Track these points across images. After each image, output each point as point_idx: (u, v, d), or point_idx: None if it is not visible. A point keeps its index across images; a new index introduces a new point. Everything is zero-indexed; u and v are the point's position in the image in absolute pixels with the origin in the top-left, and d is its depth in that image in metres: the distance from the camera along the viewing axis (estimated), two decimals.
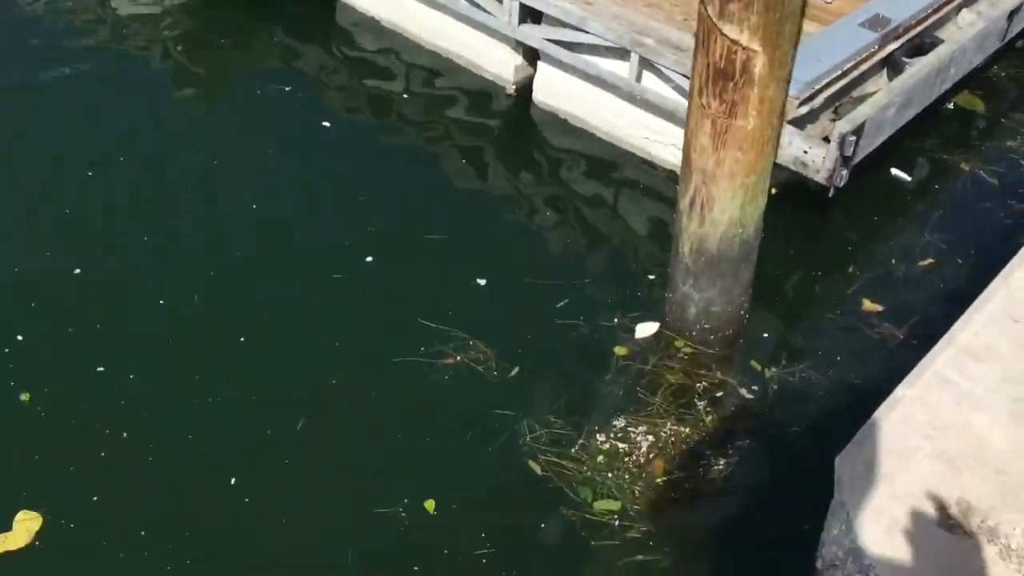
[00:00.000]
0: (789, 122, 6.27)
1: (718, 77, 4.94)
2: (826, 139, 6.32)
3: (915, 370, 4.61)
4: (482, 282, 6.27)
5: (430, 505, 5.12)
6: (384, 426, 5.46)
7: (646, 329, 5.97)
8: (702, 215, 5.47)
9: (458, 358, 5.79)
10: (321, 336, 5.90)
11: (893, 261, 6.53)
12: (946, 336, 4.77)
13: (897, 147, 7.15)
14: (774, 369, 5.80)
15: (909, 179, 7.22)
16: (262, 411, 5.47)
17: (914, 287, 6.33)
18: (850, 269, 6.48)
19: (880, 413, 4.37)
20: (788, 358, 5.85)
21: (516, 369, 5.76)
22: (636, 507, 5.09)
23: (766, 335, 6.04)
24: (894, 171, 7.24)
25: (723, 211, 5.41)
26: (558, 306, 6.12)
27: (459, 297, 6.20)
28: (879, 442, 4.22)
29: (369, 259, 6.41)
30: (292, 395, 5.58)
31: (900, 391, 4.47)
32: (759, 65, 4.81)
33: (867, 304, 6.20)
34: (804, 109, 6.38)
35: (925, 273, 6.46)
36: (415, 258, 6.44)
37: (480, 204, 6.97)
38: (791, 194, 6.72)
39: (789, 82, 5.09)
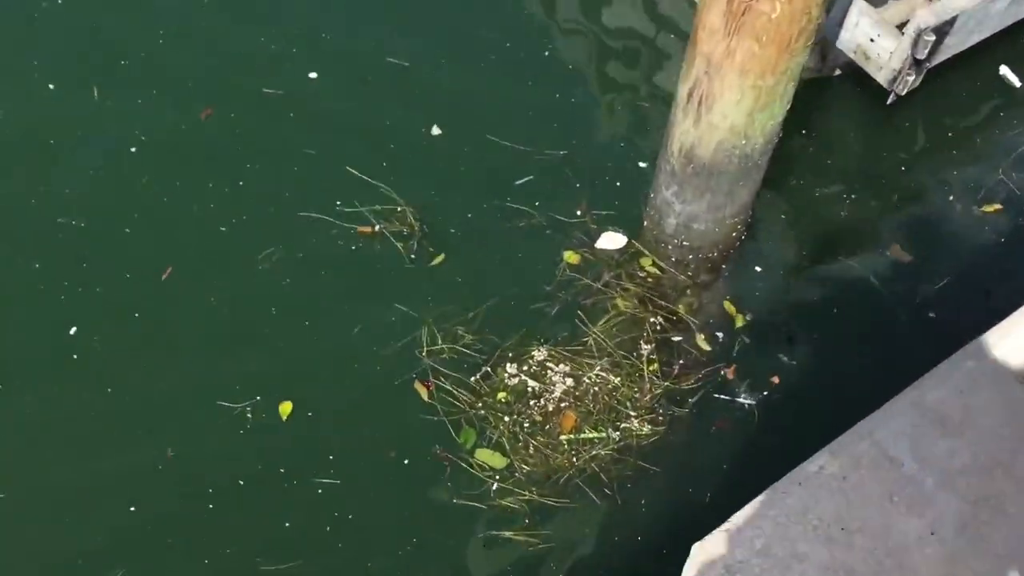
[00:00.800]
0: None
1: None
2: (902, 26, 4.81)
3: (847, 435, 3.23)
4: (436, 132, 5.06)
5: (285, 409, 4.21)
6: (258, 296, 4.48)
7: (611, 240, 4.77)
8: (698, 113, 4.14)
9: (376, 228, 4.70)
10: (226, 161, 4.84)
11: (950, 198, 5.12)
12: (926, 381, 3.36)
13: (1016, 40, 5.51)
14: (749, 318, 4.61)
15: (1019, 84, 5.53)
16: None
17: (962, 240, 4.96)
18: (893, 198, 5.09)
19: (770, 495, 3.05)
20: (771, 308, 4.65)
21: (441, 257, 4.66)
22: (525, 468, 4.12)
23: (757, 268, 4.81)
24: (1003, 70, 5.59)
25: (724, 116, 4.07)
26: (517, 183, 4.91)
27: (403, 145, 5.01)
28: (751, 542, 2.90)
29: (313, 75, 5.21)
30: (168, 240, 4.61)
31: (816, 462, 3.10)
32: None
33: (895, 250, 4.89)
34: None
35: (983, 222, 5.05)
36: (364, 84, 5.22)
37: (464, 25, 5.61)
38: (854, 80, 5.27)
39: None
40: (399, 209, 4.75)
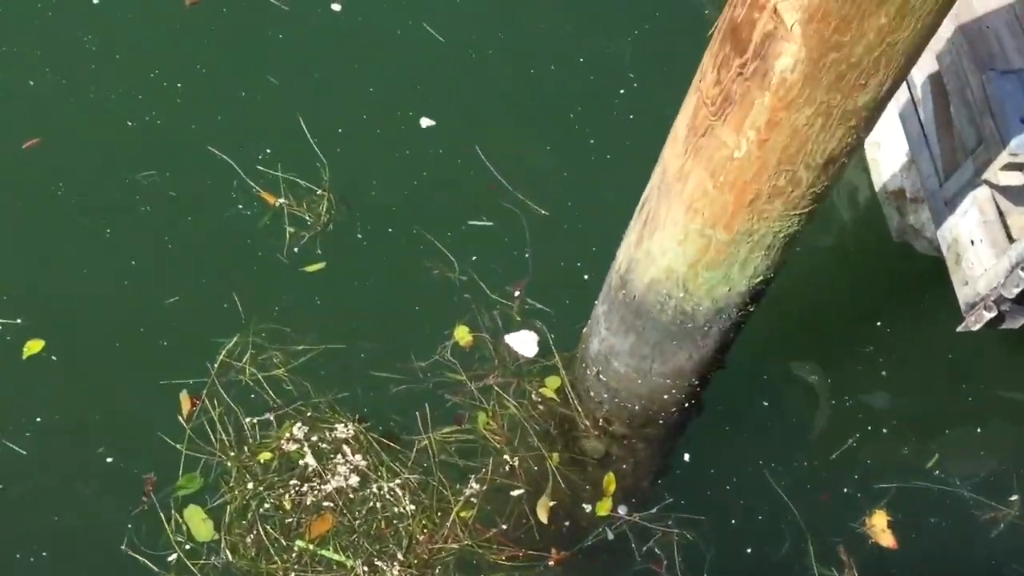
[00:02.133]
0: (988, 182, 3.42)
1: (729, 38, 2.35)
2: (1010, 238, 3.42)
3: None
4: (426, 123, 4.11)
5: (32, 347, 3.45)
6: (108, 209, 3.73)
7: (524, 342, 3.68)
8: (642, 233, 2.99)
9: (279, 202, 3.84)
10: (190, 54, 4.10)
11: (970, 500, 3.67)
12: None
13: None
14: (623, 511, 3.42)
15: None
16: None
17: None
18: (904, 449, 3.71)
19: None
20: (663, 516, 3.43)
21: (320, 265, 3.74)
22: (228, 556, 3.17)
23: (685, 457, 3.59)
24: None
25: (663, 251, 2.90)
26: (471, 221, 3.91)
27: (383, 123, 4.11)
28: None
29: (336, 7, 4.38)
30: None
31: None
32: (787, 54, 2.17)
33: (875, 522, 3.53)
34: (1010, 177, 3.41)
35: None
36: (379, 44, 4.32)
37: None
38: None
39: (866, 125, 2.38)
40: (319, 193, 3.86)
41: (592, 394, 3.56)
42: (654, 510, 3.43)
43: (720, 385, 3.42)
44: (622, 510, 3.42)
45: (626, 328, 3.23)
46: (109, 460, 3.29)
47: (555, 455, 3.49)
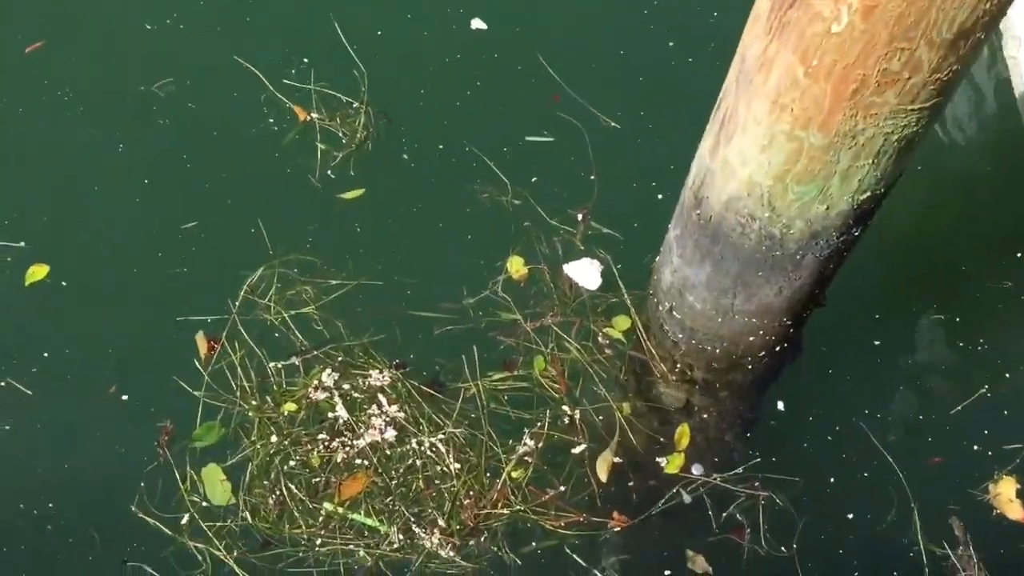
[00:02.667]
0: None
1: None
2: None
3: None
4: (478, 26, 3.61)
5: (37, 272, 3.11)
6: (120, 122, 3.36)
7: (586, 272, 3.18)
8: (718, 138, 2.45)
9: (310, 116, 3.40)
10: None
11: None
12: None
13: None
14: (699, 471, 2.92)
15: None
16: None
17: None
18: None
19: None
20: (749, 476, 2.92)
21: (360, 192, 3.29)
22: (246, 518, 2.80)
23: (780, 406, 3.07)
24: None
25: (743, 159, 2.36)
26: (529, 137, 3.40)
27: (428, 24, 3.63)
28: None
29: None
30: None
31: None
32: None
33: (1001, 489, 2.95)
34: None
35: None
36: None
37: None
38: None
39: None
40: (355, 106, 3.41)
41: (667, 332, 3.05)
42: (740, 469, 2.93)
43: (819, 325, 2.88)
44: (697, 469, 2.93)
45: (701, 256, 2.70)
46: (124, 398, 2.95)
47: (625, 405, 3.01)
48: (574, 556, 2.84)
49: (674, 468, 2.93)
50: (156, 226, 3.19)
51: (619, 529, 2.85)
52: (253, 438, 2.88)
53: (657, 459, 2.97)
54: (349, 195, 3.29)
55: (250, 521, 2.78)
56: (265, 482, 2.84)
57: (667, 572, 2.84)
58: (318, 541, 2.78)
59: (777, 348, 2.92)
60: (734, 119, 2.33)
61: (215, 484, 2.82)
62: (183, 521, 2.78)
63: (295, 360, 2.99)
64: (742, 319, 2.83)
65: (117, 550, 2.76)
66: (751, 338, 2.92)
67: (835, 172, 2.24)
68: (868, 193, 2.33)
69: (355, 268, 3.15)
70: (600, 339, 3.10)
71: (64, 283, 3.10)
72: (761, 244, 2.52)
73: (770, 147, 2.24)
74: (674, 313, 2.97)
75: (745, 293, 2.72)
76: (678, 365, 3.08)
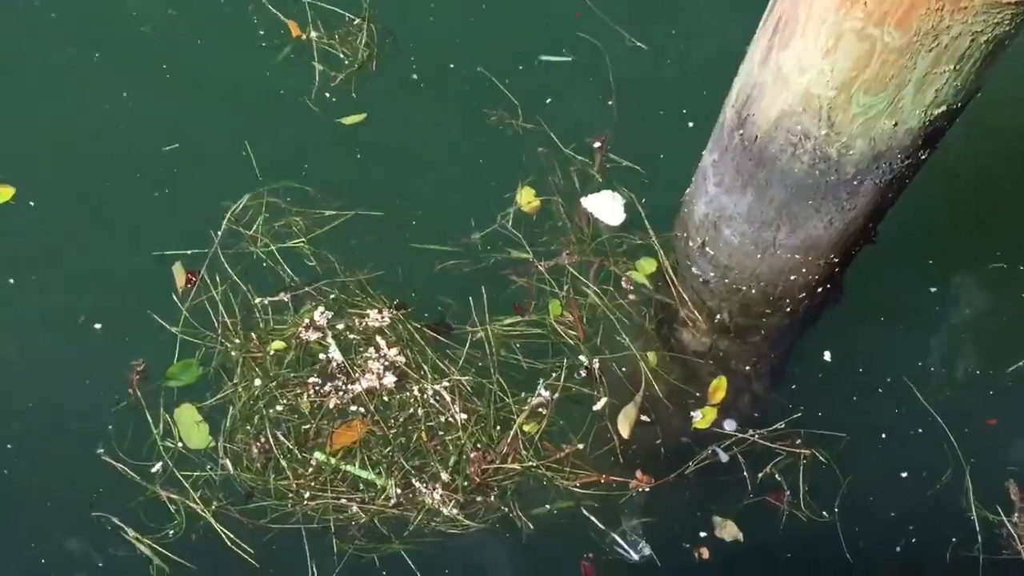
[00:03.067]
0: None
1: None
2: None
3: None
4: None
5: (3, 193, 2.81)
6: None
7: (607, 206, 2.87)
8: (770, 44, 2.13)
9: (306, 35, 3.08)
10: None
11: None
12: None
13: None
14: (743, 431, 2.64)
15: None
16: None
17: None
18: None
19: None
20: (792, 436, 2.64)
21: (361, 117, 2.98)
22: (227, 468, 2.52)
23: (826, 356, 2.78)
24: None
25: (800, 67, 2.05)
26: (543, 57, 3.07)
27: None
28: None
29: None
30: None
31: None
32: None
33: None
34: None
35: None
36: None
37: None
38: None
39: None
40: (356, 22, 3.09)
41: (697, 272, 2.75)
42: (781, 424, 2.65)
43: (868, 265, 2.59)
44: (730, 425, 2.65)
45: (742, 183, 2.40)
46: (97, 327, 2.66)
47: (651, 355, 2.72)
48: (591, 518, 2.56)
49: (706, 423, 2.64)
50: (134, 146, 2.88)
51: (642, 490, 2.57)
52: (236, 379, 2.60)
53: (686, 414, 2.69)
54: (349, 120, 2.98)
55: (231, 471, 2.50)
56: (248, 428, 2.55)
57: (694, 539, 2.57)
58: (307, 494, 2.50)
59: (819, 289, 2.63)
60: (791, 22, 2.02)
61: (190, 426, 2.54)
62: (154, 469, 2.50)
63: (284, 297, 2.70)
64: (784, 255, 2.54)
65: (82, 496, 2.49)
66: (792, 277, 2.62)
67: (909, 80, 1.94)
68: (943, 107, 2.02)
69: (353, 197, 2.85)
70: (623, 283, 2.81)
71: (32, 203, 2.80)
72: (814, 168, 2.22)
73: (835, 50, 1.93)
74: (707, 250, 2.67)
75: (790, 225, 2.43)
76: (708, 309, 2.79)
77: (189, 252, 2.73)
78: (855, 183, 2.23)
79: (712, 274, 2.70)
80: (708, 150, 2.52)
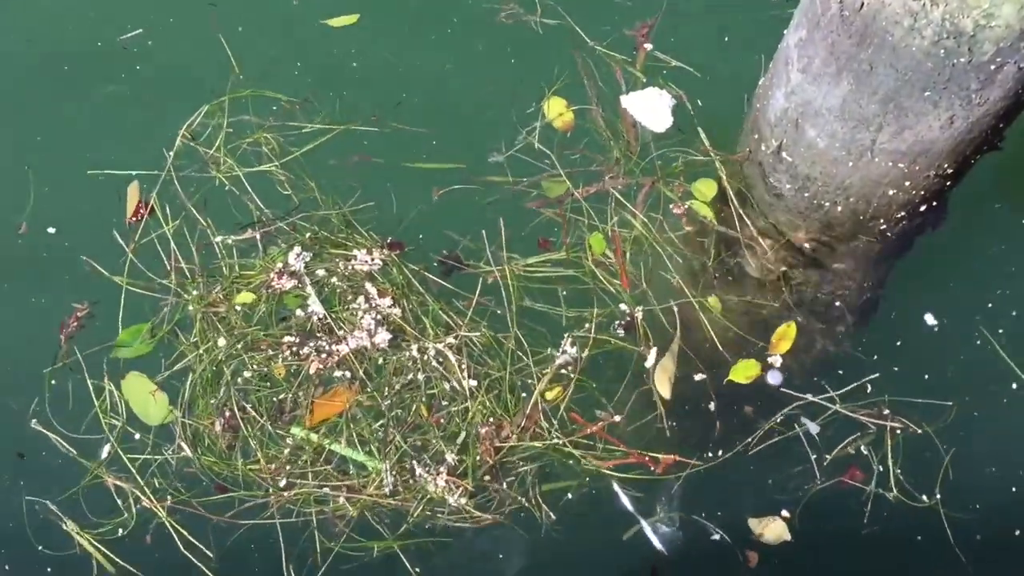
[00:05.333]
0: None
1: None
2: None
3: None
4: None
5: None
6: None
7: (653, 105, 2.31)
8: None
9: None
10: None
11: None
12: None
13: None
14: (816, 395, 2.13)
15: None
16: None
17: None
18: None
19: None
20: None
21: (353, 18, 2.42)
22: (182, 448, 2.05)
23: (929, 320, 2.24)
24: None
25: None
26: None
27: None
28: None
29: None
30: None
31: None
32: None
33: None
34: None
35: None
36: None
37: None
38: None
39: None
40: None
41: (770, 185, 2.20)
42: (869, 390, 2.13)
43: (984, 176, 2.03)
44: (775, 379, 2.13)
45: (836, 69, 1.84)
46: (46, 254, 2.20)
47: (712, 300, 2.19)
48: (626, 505, 2.08)
49: (747, 377, 2.13)
50: (83, 30, 2.37)
51: (689, 472, 2.08)
52: (194, 339, 2.11)
53: (746, 375, 2.17)
54: (337, 21, 2.43)
55: (189, 452, 2.04)
56: (212, 401, 2.08)
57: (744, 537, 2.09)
58: (283, 482, 2.03)
59: (921, 208, 2.09)
60: None
61: (144, 398, 2.07)
62: (104, 454, 2.05)
63: (252, 234, 2.19)
64: (884, 163, 1.99)
65: (11, 476, 2.05)
66: (891, 192, 2.07)
67: None
68: None
69: (337, 111, 2.32)
70: (675, 210, 2.26)
71: None
72: (938, 46, 1.65)
73: None
74: (783, 155, 2.12)
75: (896, 124, 1.87)
76: (780, 231, 2.25)
77: (132, 174, 2.23)
78: (992, 68, 1.67)
79: (788, 186, 2.16)
80: (793, 27, 1.95)
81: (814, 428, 2.06)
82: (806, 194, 2.17)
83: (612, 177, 2.29)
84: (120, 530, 2.00)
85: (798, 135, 2.02)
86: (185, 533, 1.98)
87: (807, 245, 2.26)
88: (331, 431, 2.06)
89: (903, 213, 2.17)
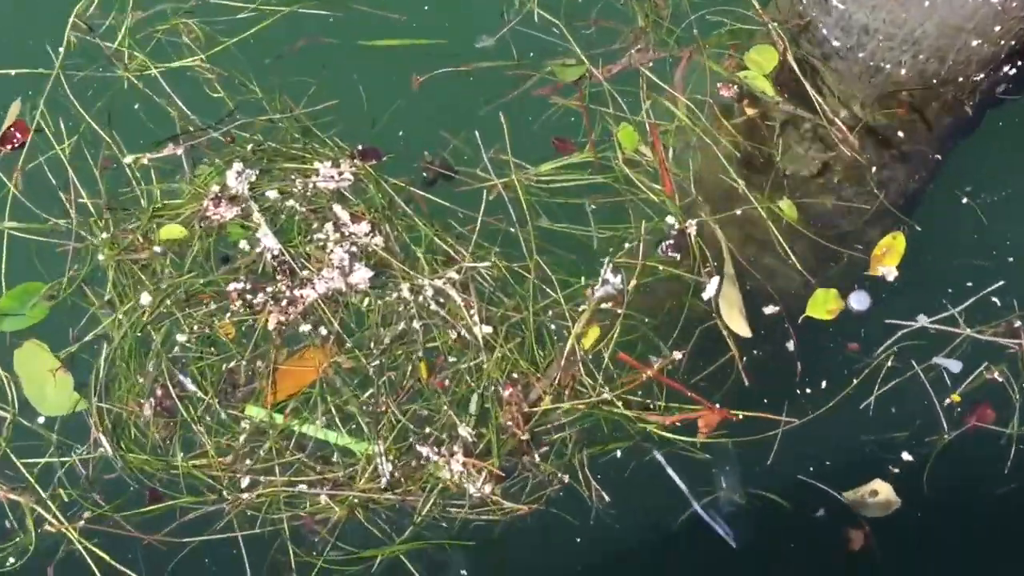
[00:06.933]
0: None
1: None
2: None
3: None
4: None
5: None
6: None
7: None
8: None
9: None
10: None
11: None
12: None
13: None
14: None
15: None
16: None
17: None
18: None
19: None
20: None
21: None
22: (103, 439, 1.53)
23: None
24: None
25: None
26: None
27: None
28: None
29: None
30: None
31: None
32: None
33: None
34: None
35: None
36: None
37: None
38: None
39: None
40: None
41: (819, 40, 1.70)
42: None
43: None
44: (860, 302, 1.65)
45: None
46: None
47: (786, 204, 1.69)
48: (678, 483, 1.59)
49: (836, 311, 1.65)
50: None
51: (783, 429, 1.59)
52: (108, 297, 1.57)
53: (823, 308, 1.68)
54: None
55: (108, 452, 1.50)
56: (138, 380, 1.54)
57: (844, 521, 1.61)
58: (241, 480, 1.51)
59: (1006, 67, 1.64)
60: None
61: (39, 380, 1.52)
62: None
63: (175, 150, 1.63)
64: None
65: None
66: (975, 42, 1.68)
67: None
68: None
69: None
70: (723, 91, 1.74)
71: None
72: None
73: None
74: (835, 3, 1.64)
75: None
76: (828, 102, 1.75)
77: (13, 73, 1.66)
78: None
79: (838, 43, 1.70)
80: None
81: (954, 365, 1.58)
82: (862, 53, 1.70)
83: (640, 50, 1.76)
84: (11, 559, 1.47)
85: None
86: (107, 558, 1.45)
87: (883, 122, 1.78)
88: (303, 407, 1.54)
89: (981, 75, 1.70)
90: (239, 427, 1.52)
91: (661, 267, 1.64)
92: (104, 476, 1.49)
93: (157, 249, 1.56)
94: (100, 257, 1.58)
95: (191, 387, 1.53)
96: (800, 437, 1.61)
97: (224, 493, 1.49)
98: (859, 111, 1.80)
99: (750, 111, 1.71)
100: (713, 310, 1.64)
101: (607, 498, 1.55)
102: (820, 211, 1.82)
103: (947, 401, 1.62)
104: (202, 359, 1.55)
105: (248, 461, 1.51)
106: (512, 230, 1.64)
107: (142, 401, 1.52)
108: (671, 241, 1.69)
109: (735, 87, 1.74)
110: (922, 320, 1.63)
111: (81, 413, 1.52)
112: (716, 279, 1.64)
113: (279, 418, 1.53)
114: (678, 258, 1.68)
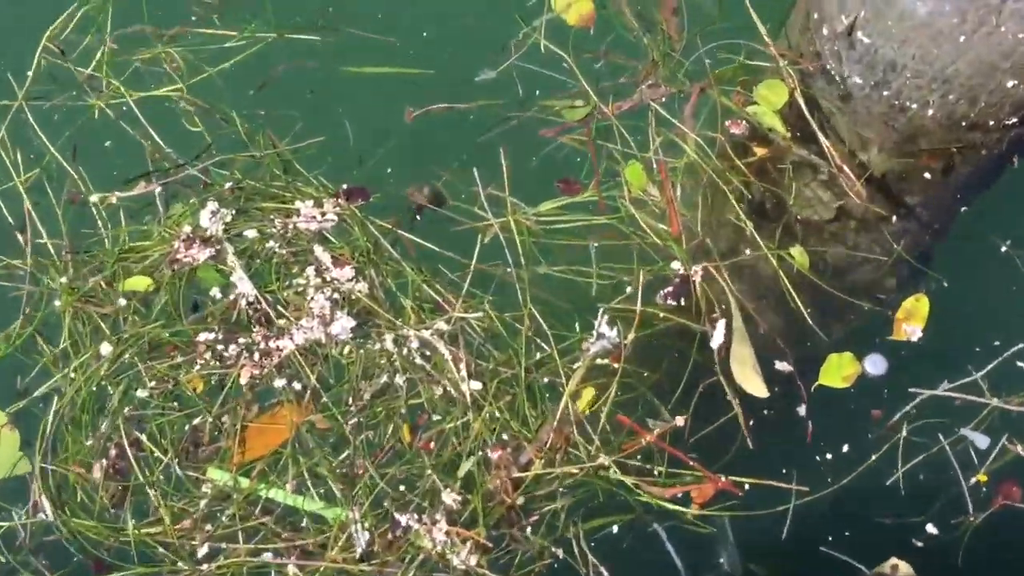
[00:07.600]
0: None
1: None
2: None
3: None
4: None
5: None
6: None
7: None
8: None
9: None
10: None
11: None
12: None
13: None
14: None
15: None
16: None
17: None
18: None
19: None
20: None
21: None
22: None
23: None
24: None
25: None
26: None
27: None
28: None
29: None
30: None
31: None
32: None
33: None
34: None
35: None
36: None
37: None
38: None
39: None
40: None
41: (832, 79, 1.58)
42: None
43: None
44: (875, 367, 1.51)
45: None
46: None
47: (797, 251, 1.56)
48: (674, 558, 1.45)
49: (852, 377, 1.50)
50: None
51: (795, 504, 1.44)
52: (64, 345, 1.45)
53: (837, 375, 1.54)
54: None
55: (49, 517, 1.38)
56: (90, 437, 1.41)
57: None
58: (200, 549, 1.38)
59: None
60: None
61: None
62: None
63: (147, 188, 1.52)
64: (1015, 33, 1.38)
65: None
66: (1011, 83, 1.50)
67: None
68: None
69: (271, 10, 1.65)
70: (732, 128, 1.62)
71: None
72: None
73: None
74: (858, 35, 1.51)
75: None
76: (839, 146, 1.63)
77: None
78: None
79: (859, 81, 1.55)
80: None
81: (981, 441, 1.43)
82: (886, 92, 1.57)
83: (651, 86, 1.64)
84: None
85: (884, 5, 1.39)
86: None
87: (888, 168, 1.65)
88: (270, 469, 1.41)
89: (1015, 119, 1.57)
90: (199, 491, 1.40)
91: (662, 314, 1.51)
92: (44, 540, 1.36)
93: (122, 302, 1.45)
94: (56, 304, 1.46)
95: (148, 445, 1.40)
96: (815, 505, 1.48)
97: (178, 564, 1.36)
98: (874, 156, 1.68)
99: (760, 151, 1.58)
100: (717, 363, 1.51)
101: (605, 574, 1.41)
102: (834, 259, 1.69)
103: (973, 480, 1.48)
104: (163, 415, 1.43)
105: (208, 527, 1.38)
106: (507, 275, 1.51)
107: (92, 462, 1.40)
108: (671, 288, 1.56)
109: (744, 123, 1.62)
110: (944, 387, 1.49)
111: (26, 476, 1.40)
112: (722, 325, 1.51)
113: (245, 481, 1.40)
114: (680, 303, 1.56)
